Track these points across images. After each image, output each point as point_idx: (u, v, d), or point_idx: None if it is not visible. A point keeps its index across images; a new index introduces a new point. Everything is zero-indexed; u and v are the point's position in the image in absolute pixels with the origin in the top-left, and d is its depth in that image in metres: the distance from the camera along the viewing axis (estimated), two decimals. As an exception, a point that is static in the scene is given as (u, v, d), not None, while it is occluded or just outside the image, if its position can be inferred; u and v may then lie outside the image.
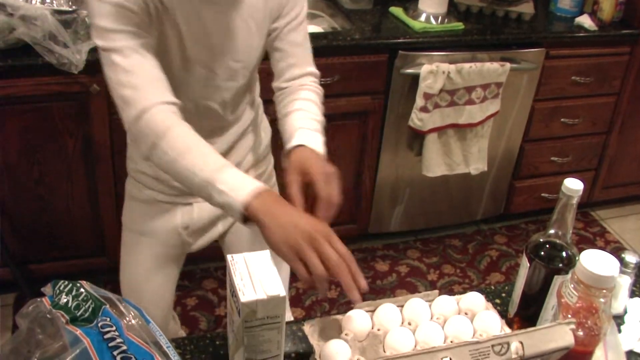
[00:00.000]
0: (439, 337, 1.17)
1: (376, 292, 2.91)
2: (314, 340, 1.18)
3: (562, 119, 3.18)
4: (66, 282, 1.03)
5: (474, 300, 1.26)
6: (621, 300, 1.36)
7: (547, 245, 1.22)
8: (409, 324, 1.20)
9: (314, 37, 1.70)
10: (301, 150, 1.35)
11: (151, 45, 1.30)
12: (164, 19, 1.32)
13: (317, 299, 2.82)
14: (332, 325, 1.21)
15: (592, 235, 3.48)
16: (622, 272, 1.34)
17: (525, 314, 1.28)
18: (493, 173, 3.22)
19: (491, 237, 3.40)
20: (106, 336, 0.95)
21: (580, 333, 1.06)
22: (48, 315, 0.97)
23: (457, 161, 2.97)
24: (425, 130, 2.80)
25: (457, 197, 3.26)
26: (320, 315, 1.20)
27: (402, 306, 1.25)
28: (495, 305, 1.32)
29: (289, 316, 1.79)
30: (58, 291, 1.02)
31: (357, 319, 1.21)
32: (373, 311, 1.24)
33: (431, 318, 1.22)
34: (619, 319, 1.35)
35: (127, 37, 1.26)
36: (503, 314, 1.30)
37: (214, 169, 1.22)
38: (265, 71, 1.58)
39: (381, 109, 2.81)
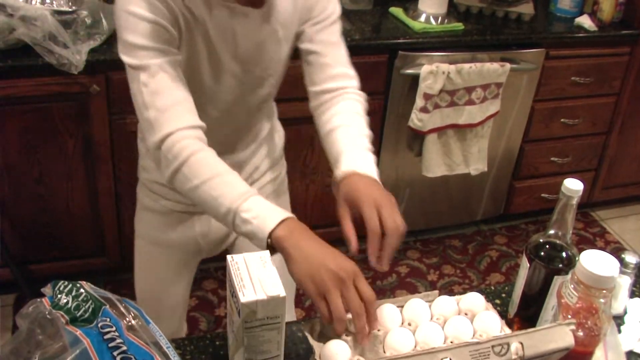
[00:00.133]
0: (439, 338, 1.17)
1: (376, 293, 2.90)
2: (313, 340, 1.17)
3: (562, 120, 3.18)
4: (66, 283, 1.03)
5: (474, 300, 1.26)
6: (621, 301, 1.36)
7: (547, 246, 1.22)
8: (409, 324, 1.20)
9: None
10: (350, 178, 1.27)
11: (180, 61, 1.29)
12: (195, 32, 1.30)
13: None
14: (332, 325, 1.21)
15: (592, 235, 3.48)
16: (622, 272, 1.34)
17: (525, 315, 1.28)
18: (493, 173, 3.22)
19: (491, 238, 3.40)
20: (106, 337, 0.95)
21: (580, 333, 1.06)
22: (48, 316, 0.97)
23: (457, 161, 2.97)
24: (425, 131, 2.80)
25: (457, 198, 3.26)
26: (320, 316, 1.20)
27: (402, 306, 1.25)
28: (495, 306, 1.32)
29: (292, 316, 1.79)
30: (58, 291, 1.02)
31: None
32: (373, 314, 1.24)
33: (431, 318, 1.22)
34: (619, 320, 1.35)
35: (156, 54, 1.25)
36: (503, 315, 1.30)
37: (238, 196, 1.21)
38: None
39: (381, 109, 2.81)
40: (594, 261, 1.04)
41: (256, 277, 1.05)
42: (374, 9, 2.97)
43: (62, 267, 2.66)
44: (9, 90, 2.27)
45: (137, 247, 1.75)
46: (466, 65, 2.72)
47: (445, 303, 1.25)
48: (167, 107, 1.26)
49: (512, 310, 1.31)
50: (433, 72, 2.67)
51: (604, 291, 1.04)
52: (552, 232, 1.21)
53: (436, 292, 1.28)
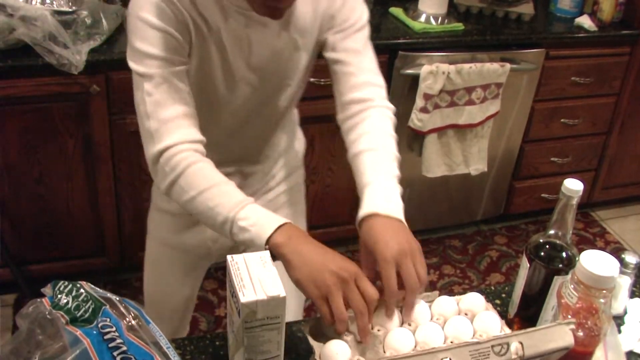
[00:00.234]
0: (439, 338, 1.17)
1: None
2: (313, 340, 1.17)
3: (562, 120, 3.18)
4: (66, 283, 1.03)
5: (474, 300, 1.26)
6: (621, 301, 1.36)
7: (547, 246, 1.22)
8: (409, 324, 1.20)
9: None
10: (370, 222, 1.22)
11: (188, 71, 1.29)
12: (208, 40, 1.29)
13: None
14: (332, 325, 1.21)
15: (592, 235, 3.48)
16: (622, 272, 1.34)
17: (525, 315, 1.28)
18: (493, 173, 3.22)
19: (491, 238, 3.40)
20: (106, 337, 0.95)
21: (580, 333, 1.06)
22: (48, 316, 0.97)
23: (457, 162, 2.97)
24: (425, 131, 2.80)
25: (457, 198, 3.26)
26: (321, 316, 1.20)
27: (402, 307, 1.25)
28: (495, 306, 1.32)
29: (299, 315, 1.78)
30: (58, 292, 1.02)
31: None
32: (373, 312, 1.24)
33: (431, 318, 1.22)
34: (619, 320, 1.35)
35: (162, 64, 1.25)
36: (503, 315, 1.30)
37: (234, 205, 1.21)
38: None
39: (381, 109, 2.81)
40: (594, 261, 1.04)
41: (256, 277, 1.05)
42: (374, 9, 2.97)
43: (62, 267, 2.66)
44: (9, 91, 2.27)
45: (148, 246, 1.75)
46: (466, 66, 2.72)
47: (445, 303, 1.25)
48: (168, 119, 1.26)
49: (512, 310, 1.31)
50: (433, 72, 2.67)
51: (604, 291, 1.04)
52: (552, 232, 1.21)
53: (436, 292, 1.28)
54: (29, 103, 2.32)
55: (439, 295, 1.28)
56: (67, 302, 1.00)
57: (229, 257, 1.09)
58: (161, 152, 1.26)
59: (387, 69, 2.72)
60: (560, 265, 1.21)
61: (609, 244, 3.42)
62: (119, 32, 2.44)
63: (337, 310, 1.10)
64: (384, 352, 1.16)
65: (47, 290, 1.04)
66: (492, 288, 1.44)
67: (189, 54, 1.30)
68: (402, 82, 2.75)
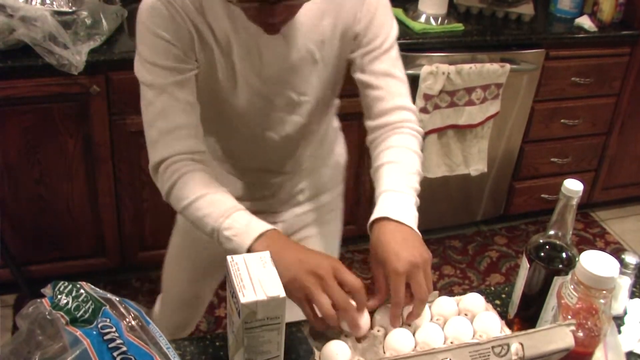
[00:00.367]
0: (439, 338, 1.17)
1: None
2: (313, 341, 1.17)
3: (562, 120, 3.18)
4: (66, 283, 1.03)
5: (474, 301, 1.26)
6: (621, 301, 1.36)
7: (547, 246, 1.22)
8: (409, 325, 1.20)
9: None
10: (380, 229, 1.21)
11: (191, 80, 1.29)
12: (215, 51, 1.29)
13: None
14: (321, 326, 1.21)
15: (592, 236, 3.48)
16: (622, 273, 1.34)
17: (525, 315, 1.28)
18: (493, 174, 3.22)
19: (491, 238, 3.40)
20: (106, 337, 0.95)
21: (580, 334, 1.06)
22: (48, 316, 0.97)
23: (457, 162, 2.97)
24: (425, 131, 2.80)
25: (457, 198, 3.26)
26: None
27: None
28: (495, 306, 1.32)
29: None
30: (58, 292, 1.02)
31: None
32: (373, 312, 1.24)
33: (431, 319, 1.22)
34: (619, 320, 1.35)
35: (165, 73, 1.26)
36: (503, 315, 1.30)
37: (220, 214, 1.21)
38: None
39: (381, 109, 2.81)
40: (594, 262, 1.04)
41: (256, 278, 1.05)
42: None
43: (62, 268, 2.66)
44: (9, 91, 2.27)
45: (173, 240, 1.77)
46: (466, 66, 2.72)
47: (445, 303, 1.25)
48: (168, 130, 1.27)
49: (512, 310, 1.31)
50: (433, 72, 2.67)
51: (604, 292, 1.04)
52: (552, 232, 1.21)
53: (436, 292, 1.28)
54: (29, 103, 2.32)
55: (439, 295, 1.28)
56: (67, 303, 1.00)
57: (228, 257, 1.09)
58: (159, 163, 1.28)
59: (387, 70, 2.72)
60: (560, 266, 1.21)
61: (609, 245, 3.42)
62: (119, 33, 2.44)
63: (321, 308, 1.10)
64: (384, 352, 1.16)
65: (47, 290, 1.04)
66: (492, 288, 1.44)
67: (196, 60, 1.29)
68: (402, 83, 2.75)
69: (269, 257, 1.10)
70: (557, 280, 1.20)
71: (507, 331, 1.21)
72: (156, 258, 2.83)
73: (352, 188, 2.96)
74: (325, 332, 1.19)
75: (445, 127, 2.85)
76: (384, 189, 1.27)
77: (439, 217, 3.28)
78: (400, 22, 2.83)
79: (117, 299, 1.04)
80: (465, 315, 1.23)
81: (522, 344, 1.02)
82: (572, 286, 1.06)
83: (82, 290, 1.03)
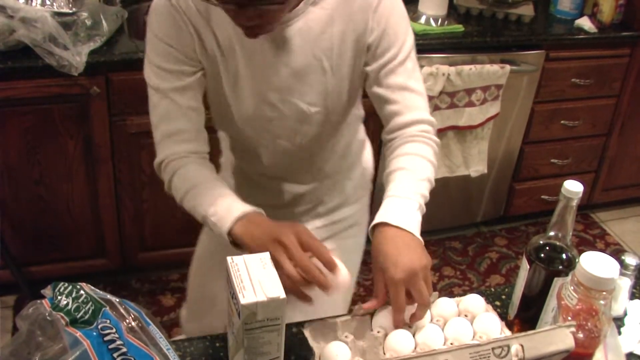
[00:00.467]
0: (439, 340, 1.17)
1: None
2: (313, 342, 1.17)
3: (562, 121, 3.18)
4: (66, 284, 1.03)
5: (474, 302, 1.26)
6: (621, 303, 1.36)
7: (547, 248, 1.22)
8: (409, 326, 1.20)
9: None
10: (381, 235, 1.20)
11: (194, 86, 1.32)
12: (217, 58, 1.30)
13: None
14: (332, 327, 1.21)
15: (592, 237, 3.48)
16: (622, 274, 1.34)
17: (526, 316, 1.28)
18: (493, 175, 3.22)
19: (491, 239, 3.40)
20: (106, 338, 0.95)
21: (580, 335, 1.06)
22: (48, 317, 0.97)
23: (457, 163, 2.98)
24: (425, 132, 2.80)
25: (457, 199, 3.26)
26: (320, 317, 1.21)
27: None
28: (495, 308, 1.32)
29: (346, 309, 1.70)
30: (58, 293, 1.02)
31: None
32: (373, 313, 1.24)
33: (431, 320, 1.22)
34: (619, 321, 1.35)
35: (169, 78, 1.29)
36: (503, 316, 1.30)
37: (208, 203, 1.25)
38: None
39: (381, 111, 2.81)
40: (594, 263, 1.04)
41: (256, 279, 1.05)
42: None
43: (62, 269, 2.66)
44: (9, 92, 2.27)
45: (201, 238, 1.76)
46: (466, 67, 2.73)
47: (445, 305, 1.25)
48: (169, 133, 1.32)
49: (512, 312, 1.31)
50: (433, 73, 2.67)
51: (604, 293, 1.04)
52: (552, 233, 1.21)
53: (436, 293, 1.28)
54: (29, 104, 2.32)
55: (439, 296, 1.28)
56: (67, 304, 1.00)
57: (228, 258, 1.09)
58: (160, 163, 1.34)
59: (387, 71, 2.72)
60: (560, 267, 1.21)
61: (609, 246, 3.42)
62: (119, 34, 2.44)
63: (288, 274, 1.12)
64: (384, 353, 1.16)
65: (47, 291, 1.04)
66: (492, 289, 1.44)
67: (203, 72, 1.32)
68: (402, 84, 2.75)
69: (269, 258, 1.10)
70: (557, 282, 1.20)
71: (507, 332, 1.21)
72: (156, 259, 2.85)
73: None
74: (325, 333, 1.19)
75: (445, 128, 2.85)
76: (388, 194, 1.26)
77: (439, 218, 3.28)
78: (400, 23, 2.83)
79: (117, 300, 1.04)
80: (465, 316, 1.23)
81: (522, 345, 1.02)
82: (572, 287, 1.06)
83: (82, 292, 1.03)
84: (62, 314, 0.98)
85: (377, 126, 1.52)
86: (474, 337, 1.18)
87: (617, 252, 3.31)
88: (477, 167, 3.03)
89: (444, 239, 3.36)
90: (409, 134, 1.32)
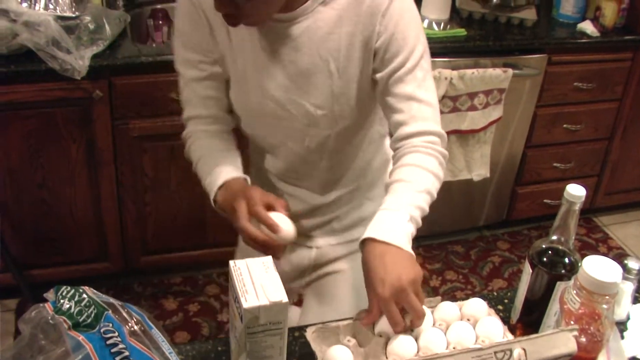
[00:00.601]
0: (442, 344, 1.17)
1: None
2: (316, 346, 1.17)
3: (564, 125, 3.18)
4: (69, 288, 1.03)
5: (477, 306, 1.26)
6: (624, 307, 1.36)
7: (550, 252, 1.22)
8: (412, 330, 1.20)
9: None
10: (368, 251, 1.18)
11: (212, 77, 1.41)
12: (228, 50, 1.35)
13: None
14: (335, 331, 1.21)
15: (595, 241, 3.47)
16: (624, 278, 1.34)
17: (528, 320, 1.28)
18: (495, 179, 3.22)
19: (494, 243, 3.40)
20: (108, 342, 0.95)
21: (583, 339, 1.06)
22: (50, 321, 0.97)
23: (459, 167, 2.97)
24: (428, 136, 2.79)
25: (460, 203, 3.25)
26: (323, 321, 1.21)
27: (405, 313, 1.25)
28: (497, 312, 1.32)
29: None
30: (60, 297, 1.02)
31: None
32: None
33: (434, 324, 1.22)
34: (621, 325, 1.35)
35: (190, 66, 1.40)
36: (505, 320, 1.30)
37: (206, 173, 1.39)
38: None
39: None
40: (597, 267, 1.04)
41: (259, 283, 1.05)
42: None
43: (65, 272, 2.66)
44: (12, 96, 2.27)
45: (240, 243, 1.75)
46: (469, 71, 2.72)
47: (447, 309, 1.25)
48: (190, 116, 1.46)
49: (515, 316, 1.31)
50: (435, 77, 2.67)
51: (607, 297, 1.04)
52: (554, 237, 1.21)
53: (439, 297, 1.28)
54: (32, 108, 2.32)
55: (442, 300, 1.28)
56: (70, 307, 1.00)
57: (231, 262, 1.09)
58: (184, 137, 1.48)
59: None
60: (563, 271, 1.21)
61: (612, 250, 3.41)
62: (122, 38, 2.44)
63: (242, 234, 1.27)
64: (387, 358, 1.16)
65: (50, 295, 1.04)
66: (495, 294, 1.43)
67: (220, 63, 1.39)
68: (405, 88, 2.75)
69: (272, 262, 1.10)
70: (560, 286, 1.20)
71: (510, 336, 1.21)
72: (159, 262, 2.85)
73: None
74: (327, 337, 1.19)
75: (447, 133, 2.83)
76: (381, 207, 1.24)
77: (442, 223, 3.28)
78: (403, 27, 2.83)
79: (120, 303, 1.04)
80: (468, 320, 1.22)
81: (524, 349, 1.02)
82: (574, 291, 1.06)
83: (84, 295, 1.03)
84: (64, 318, 0.98)
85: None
86: (476, 341, 1.18)
87: (619, 256, 3.31)
88: (480, 171, 3.03)
89: (446, 242, 3.35)
90: (412, 145, 1.29)
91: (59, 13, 2.26)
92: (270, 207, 1.29)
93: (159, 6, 2.76)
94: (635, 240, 3.49)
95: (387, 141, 1.55)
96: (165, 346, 1.01)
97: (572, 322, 1.07)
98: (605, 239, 3.49)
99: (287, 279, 1.55)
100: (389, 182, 1.28)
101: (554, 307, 1.22)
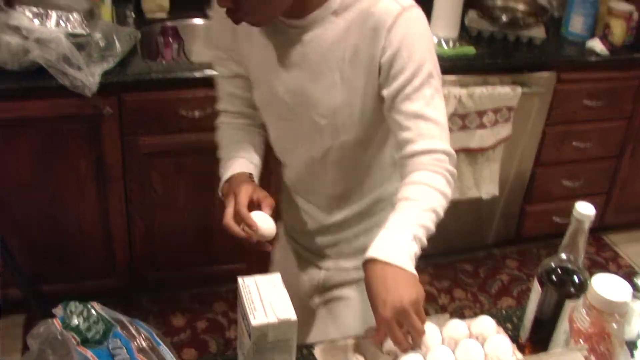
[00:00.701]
0: (450, 362, 1.17)
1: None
2: (324, 363, 1.17)
3: (573, 143, 3.18)
4: (77, 303, 1.04)
5: (485, 324, 1.25)
6: (634, 326, 1.35)
7: (559, 270, 1.22)
8: (420, 348, 1.19)
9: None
10: (369, 271, 1.17)
11: (238, 76, 1.49)
12: (244, 47, 1.41)
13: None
14: (343, 349, 1.20)
15: (604, 259, 3.46)
16: (634, 297, 1.33)
17: (537, 339, 1.27)
18: (504, 197, 3.21)
19: (502, 261, 3.38)
20: (117, 358, 0.95)
21: (593, 359, 1.05)
22: (59, 337, 0.98)
23: (468, 185, 2.97)
24: (436, 154, 2.79)
25: (468, 221, 3.24)
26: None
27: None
28: (506, 330, 1.31)
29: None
30: (69, 312, 1.02)
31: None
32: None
33: (442, 342, 1.21)
34: (631, 345, 1.34)
35: (221, 66, 1.50)
36: (514, 339, 1.29)
37: (221, 165, 1.47)
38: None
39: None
40: (606, 285, 1.03)
41: (267, 300, 1.05)
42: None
43: (73, 288, 2.66)
44: (23, 112, 2.29)
45: (276, 255, 1.76)
46: (477, 89, 2.73)
47: (456, 327, 1.25)
48: (219, 110, 1.56)
49: (524, 334, 1.30)
50: (444, 95, 2.63)
51: (617, 316, 1.04)
52: (563, 256, 1.21)
53: (447, 315, 1.27)
54: (43, 124, 2.34)
55: (450, 318, 1.27)
56: (78, 323, 1.00)
57: (239, 279, 1.09)
58: (215, 124, 1.57)
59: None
60: (572, 290, 1.20)
61: (621, 268, 3.40)
62: (132, 55, 2.46)
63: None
64: (395, 375, 1.15)
65: (58, 310, 1.05)
66: (504, 312, 1.43)
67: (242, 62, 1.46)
68: (413, 105, 2.75)
69: (280, 279, 1.10)
70: (569, 304, 1.19)
71: (519, 355, 1.20)
72: (167, 279, 2.85)
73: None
74: (335, 354, 1.18)
75: (456, 150, 2.83)
76: (386, 226, 1.21)
77: (450, 240, 3.27)
78: (412, 45, 2.84)
79: (128, 319, 1.04)
80: (477, 338, 1.22)
81: (533, 368, 1.01)
82: (584, 310, 1.06)
83: (93, 311, 1.03)
84: (73, 334, 0.98)
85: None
86: (485, 359, 1.17)
87: (629, 275, 3.28)
88: (489, 189, 3.02)
89: (454, 261, 3.34)
90: (419, 162, 1.27)
91: (70, 30, 2.28)
92: (258, 205, 1.35)
93: (169, 23, 2.78)
94: (645, 259, 3.48)
95: None
96: (173, 363, 1.01)
97: (581, 341, 1.06)
98: (615, 257, 3.48)
99: (296, 296, 1.54)
100: (400, 197, 1.26)
101: (563, 326, 1.21)
